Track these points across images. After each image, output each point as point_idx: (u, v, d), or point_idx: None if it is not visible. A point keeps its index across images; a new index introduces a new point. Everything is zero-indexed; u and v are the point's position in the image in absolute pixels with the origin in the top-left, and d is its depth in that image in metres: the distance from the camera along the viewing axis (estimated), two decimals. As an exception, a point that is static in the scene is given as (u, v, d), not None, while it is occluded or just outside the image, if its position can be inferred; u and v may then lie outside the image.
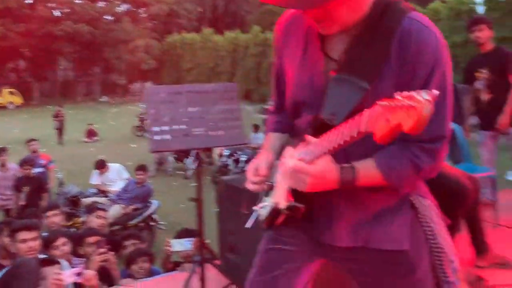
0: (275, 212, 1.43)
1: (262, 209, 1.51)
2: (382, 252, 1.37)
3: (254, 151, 12.00)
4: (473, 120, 4.65)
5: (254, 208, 1.56)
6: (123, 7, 43.73)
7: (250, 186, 1.47)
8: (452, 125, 4.24)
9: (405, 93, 0.95)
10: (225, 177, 3.25)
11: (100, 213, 4.95)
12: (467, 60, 4.96)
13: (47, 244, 3.46)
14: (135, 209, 7.31)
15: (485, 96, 4.19)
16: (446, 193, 2.75)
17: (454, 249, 1.46)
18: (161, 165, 12.87)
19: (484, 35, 4.15)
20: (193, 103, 2.62)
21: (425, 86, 1.21)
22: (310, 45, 1.38)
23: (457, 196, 2.76)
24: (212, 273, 3.07)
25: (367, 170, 1.28)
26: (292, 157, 1.31)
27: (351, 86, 1.26)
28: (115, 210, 7.16)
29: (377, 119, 0.98)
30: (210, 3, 49.28)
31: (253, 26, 32.01)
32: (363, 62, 1.27)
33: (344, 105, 1.26)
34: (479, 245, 3.18)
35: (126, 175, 8.71)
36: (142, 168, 7.70)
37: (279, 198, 1.40)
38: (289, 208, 1.34)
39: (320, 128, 1.28)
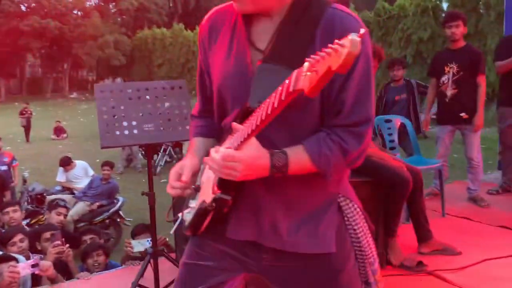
0: (200, 212, 1.37)
1: (187, 214, 1.46)
2: (309, 256, 1.36)
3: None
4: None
5: (179, 214, 1.51)
6: (92, 2, 43.06)
7: (170, 190, 1.40)
8: (404, 120, 4.41)
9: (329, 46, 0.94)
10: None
11: (60, 210, 4.97)
12: (433, 55, 5.01)
13: (4, 241, 3.48)
14: (100, 206, 7.31)
15: (450, 91, 4.25)
16: (386, 183, 2.92)
17: (374, 251, 1.49)
18: (130, 162, 12.83)
19: (460, 32, 4.20)
20: (143, 100, 2.69)
21: (350, 73, 1.22)
22: (236, 38, 1.37)
23: (396, 186, 2.92)
24: (167, 266, 3.15)
25: (298, 155, 1.26)
26: (218, 150, 1.25)
27: (277, 75, 1.21)
28: (80, 207, 7.15)
29: (304, 76, 0.97)
30: (181, -2, 48.93)
31: (224, 22, 31.95)
32: (289, 51, 1.27)
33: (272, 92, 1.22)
34: (422, 233, 3.34)
35: (91, 172, 8.69)
36: (107, 164, 7.70)
37: (205, 196, 1.35)
38: (215, 200, 1.29)
39: (246, 117, 1.26)
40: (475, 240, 3.55)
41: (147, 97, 2.69)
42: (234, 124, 1.26)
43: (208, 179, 1.36)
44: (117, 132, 2.57)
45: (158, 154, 12.35)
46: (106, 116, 2.58)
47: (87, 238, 4.44)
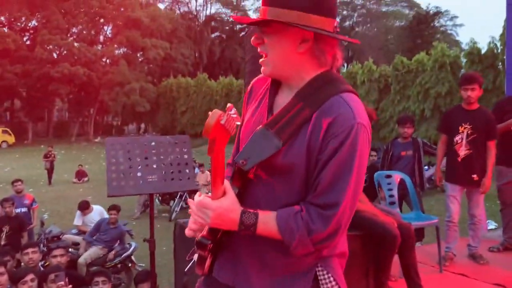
0: (200, 255, 1.48)
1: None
2: None
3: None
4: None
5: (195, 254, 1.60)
6: (121, 51, 44.71)
7: (187, 232, 1.50)
8: (403, 176, 4.55)
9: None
10: (181, 219, 3.53)
11: (56, 252, 5.19)
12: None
13: (16, 279, 3.68)
14: (116, 253, 7.46)
15: (464, 151, 4.30)
16: (376, 238, 3.06)
17: None
18: (146, 208, 13.04)
19: (475, 95, 4.30)
20: (149, 153, 2.94)
21: (331, 156, 1.31)
22: (263, 102, 1.51)
23: (385, 240, 3.05)
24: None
25: (267, 221, 1.34)
26: (199, 195, 1.40)
27: (268, 141, 1.36)
28: (93, 251, 7.32)
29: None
30: (206, 49, 50.50)
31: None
32: (286, 124, 1.36)
33: (257, 155, 1.37)
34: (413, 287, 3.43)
35: (107, 217, 8.92)
36: (114, 208, 7.84)
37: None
38: (197, 242, 1.41)
39: (238, 175, 1.41)
40: (470, 297, 3.61)
41: (153, 151, 2.94)
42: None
43: None
44: (123, 183, 2.80)
45: (174, 200, 12.56)
46: (114, 167, 2.82)
47: (99, 279, 4.64)
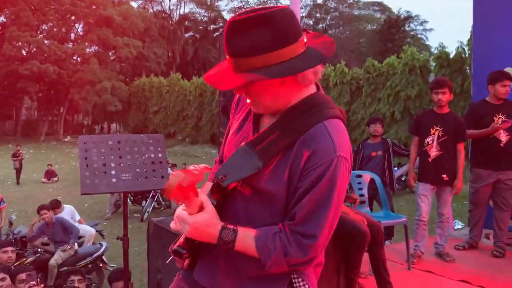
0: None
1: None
2: None
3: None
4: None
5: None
6: (92, 49, 44.05)
7: (172, 225, 1.52)
8: (373, 176, 4.66)
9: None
10: (155, 218, 3.54)
11: (7, 248, 5.17)
12: (419, 111, 5.22)
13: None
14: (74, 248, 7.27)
15: (434, 152, 4.47)
16: (346, 236, 3.13)
17: None
18: (118, 208, 12.91)
19: (446, 98, 4.47)
20: (123, 151, 2.94)
21: (310, 188, 1.32)
22: (248, 120, 1.53)
23: (355, 238, 3.13)
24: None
25: (246, 238, 1.36)
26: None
27: (249, 160, 1.38)
28: (63, 252, 7.22)
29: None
30: (180, 49, 50.21)
31: (220, 73, 32.68)
32: (268, 146, 1.38)
33: (237, 173, 1.39)
34: (383, 285, 3.52)
35: (78, 217, 8.83)
36: (43, 207, 7.44)
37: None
38: (173, 251, 1.47)
39: (218, 189, 1.43)
40: (436, 294, 3.73)
41: (127, 149, 2.94)
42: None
43: None
44: (96, 181, 2.80)
45: (146, 200, 12.48)
46: (87, 165, 2.82)
47: (75, 278, 4.62)
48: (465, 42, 18.52)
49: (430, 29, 52.75)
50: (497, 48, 5.55)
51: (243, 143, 1.44)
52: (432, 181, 4.51)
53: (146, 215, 12.14)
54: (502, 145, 4.59)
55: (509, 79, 4.61)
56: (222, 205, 1.45)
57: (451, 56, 19.20)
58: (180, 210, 1.40)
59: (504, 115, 4.56)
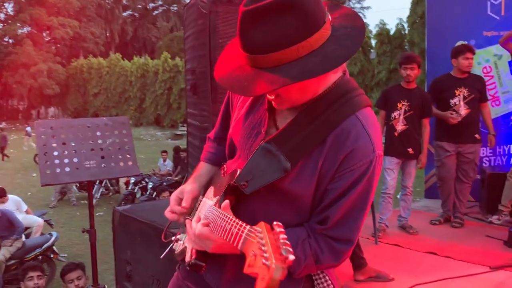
0: (184, 256, 1.43)
1: (178, 243, 1.52)
2: None
3: (162, 178, 11.96)
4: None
5: (173, 238, 1.56)
6: (24, 30, 41.74)
7: (169, 214, 1.42)
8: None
9: (281, 232, 0.94)
10: (120, 207, 3.33)
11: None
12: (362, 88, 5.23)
13: None
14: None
15: (400, 126, 4.51)
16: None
17: None
18: (64, 195, 12.39)
19: (414, 74, 4.48)
20: (85, 136, 2.71)
21: (346, 191, 1.21)
22: (262, 102, 1.35)
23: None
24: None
25: None
26: (199, 218, 1.29)
27: (274, 162, 1.23)
28: (13, 246, 6.82)
29: (250, 247, 0.98)
30: (118, 28, 48.55)
31: (163, 52, 32.02)
32: (296, 143, 1.22)
33: (260, 178, 1.24)
34: (357, 261, 3.50)
35: (25, 207, 8.34)
36: None
37: (188, 245, 1.41)
38: (191, 265, 1.36)
39: (232, 190, 1.29)
40: (406, 266, 3.75)
41: (89, 134, 2.71)
42: (225, 202, 1.22)
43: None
44: (58, 170, 2.56)
45: (93, 186, 12.04)
46: (47, 153, 2.57)
47: (34, 274, 4.33)
48: (405, 19, 19.00)
49: (368, 7, 53.62)
50: (450, 22, 5.63)
51: (263, 141, 1.26)
52: (398, 154, 4.55)
53: (94, 201, 11.73)
54: (461, 118, 4.67)
55: (472, 52, 4.67)
56: (237, 204, 1.30)
57: (391, 33, 19.70)
58: (200, 227, 1.23)
59: (466, 89, 4.63)
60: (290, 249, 0.90)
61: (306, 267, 1.25)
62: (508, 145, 5.57)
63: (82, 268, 4.63)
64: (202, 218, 1.28)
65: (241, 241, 1.02)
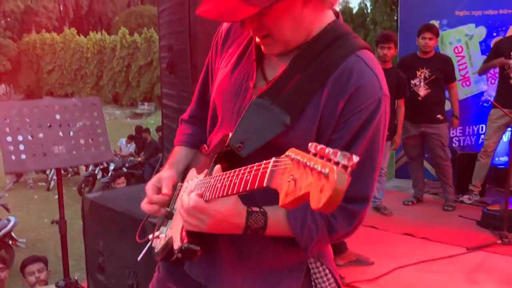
0: (169, 249, 1.23)
1: (158, 239, 1.31)
2: None
3: (124, 160, 11.60)
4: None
5: (150, 236, 1.34)
6: (-29, 2, 39.53)
7: (147, 206, 1.24)
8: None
9: (322, 148, 0.73)
10: (90, 194, 3.11)
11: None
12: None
13: None
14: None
15: None
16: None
17: None
18: (20, 177, 11.88)
19: (391, 54, 4.41)
20: (52, 119, 2.47)
21: (355, 137, 1.07)
22: (246, 54, 1.21)
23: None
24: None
25: (278, 220, 1.09)
26: (189, 194, 1.09)
27: (271, 116, 1.09)
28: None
29: (283, 176, 0.78)
30: (72, 2, 46.68)
31: (121, 28, 31.03)
32: (292, 93, 1.09)
33: (257, 137, 1.10)
34: (337, 245, 3.43)
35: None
36: None
37: (175, 233, 1.21)
38: (182, 250, 1.14)
39: (224, 157, 1.13)
40: (384, 249, 3.73)
41: (57, 116, 2.47)
42: (216, 166, 1.07)
43: (180, 213, 1.15)
44: (23, 156, 2.33)
45: (51, 169, 11.58)
46: (10, 138, 2.32)
47: (35, 268, 4.11)
48: (368, -2, 19.08)
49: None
50: (423, 1, 5.58)
51: (255, 96, 1.12)
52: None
53: (52, 183, 11.34)
54: (420, 99, 4.65)
55: (431, 31, 4.60)
56: None
57: (354, 11, 19.77)
58: (194, 196, 1.04)
59: (428, 69, 4.60)
60: (347, 153, 0.70)
61: (319, 240, 1.10)
62: (478, 125, 5.62)
63: (44, 261, 4.40)
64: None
65: (266, 176, 0.80)
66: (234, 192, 0.92)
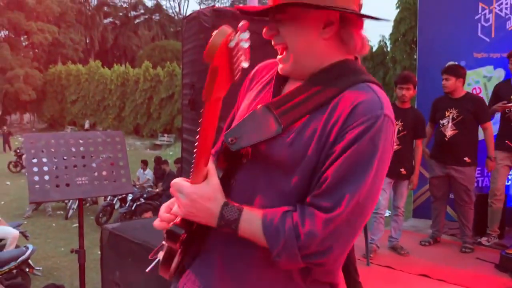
0: (168, 251, 1.23)
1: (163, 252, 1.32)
2: None
3: (142, 190, 11.71)
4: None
5: (159, 254, 1.34)
6: (2, 34, 40.99)
7: (157, 223, 1.25)
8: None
9: None
10: (109, 225, 3.18)
11: None
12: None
13: None
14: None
15: (394, 146, 4.49)
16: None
17: None
18: (39, 205, 12.04)
19: (409, 94, 4.46)
20: (77, 151, 2.57)
21: (344, 150, 1.06)
22: (264, 92, 1.29)
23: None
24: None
25: (252, 217, 1.09)
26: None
27: (266, 121, 1.14)
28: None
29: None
30: (98, 35, 48.08)
31: (145, 61, 31.77)
32: (293, 107, 1.14)
33: (249, 136, 1.15)
34: (353, 285, 3.41)
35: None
36: None
37: None
38: (167, 232, 1.14)
39: (224, 152, 1.20)
40: (400, 290, 3.70)
41: (82, 148, 2.57)
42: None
43: None
44: (47, 186, 2.42)
45: (74, 199, 11.72)
46: (36, 168, 2.42)
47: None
48: (387, 36, 19.23)
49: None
50: (441, 43, 5.65)
51: (260, 105, 1.19)
52: (390, 174, 4.49)
53: (70, 212, 11.44)
54: (446, 139, 4.63)
55: (445, 72, 4.62)
56: (231, 178, 1.19)
57: (374, 49, 19.89)
58: (179, 179, 1.15)
59: (456, 110, 4.60)
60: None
61: (285, 244, 1.06)
62: (496, 167, 5.58)
63: None
64: None
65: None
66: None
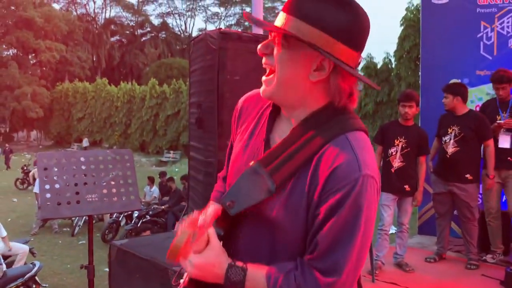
0: None
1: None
2: None
3: (148, 207, 11.75)
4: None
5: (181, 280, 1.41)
6: (10, 52, 41.53)
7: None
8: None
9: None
10: (117, 241, 3.23)
11: None
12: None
13: None
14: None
15: (397, 163, 4.51)
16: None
17: None
18: (45, 222, 12.09)
19: (412, 112, 4.51)
20: (87, 169, 2.64)
21: (330, 216, 1.10)
22: (257, 131, 1.32)
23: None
24: None
25: (256, 278, 1.16)
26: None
27: (260, 182, 1.18)
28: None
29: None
30: (105, 53, 48.60)
31: (151, 79, 32.04)
32: (283, 163, 1.17)
33: (245, 199, 1.20)
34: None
35: (4, 233, 8.09)
36: None
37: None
38: None
39: (223, 214, 1.24)
40: (405, 306, 3.71)
41: (92, 166, 2.64)
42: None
43: None
44: (59, 203, 2.48)
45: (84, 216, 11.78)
46: (48, 186, 2.49)
47: None
48: (392, 53, 19.35)
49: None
50: (444, 60, 5.72)
51: (252, 162, 1.23)
52: (395, 191, 4.54)
53: (77, 229, 11.48)
54: (448, 156, 4.67)
55: (445, 91, 4.71)
56: (231, 234, 1.25)
57: (378, 66, 20.01)
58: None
59: (458, 127, 4.65)
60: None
61: None
62: (501, 183, 5.60)
63: None
64: None
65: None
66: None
